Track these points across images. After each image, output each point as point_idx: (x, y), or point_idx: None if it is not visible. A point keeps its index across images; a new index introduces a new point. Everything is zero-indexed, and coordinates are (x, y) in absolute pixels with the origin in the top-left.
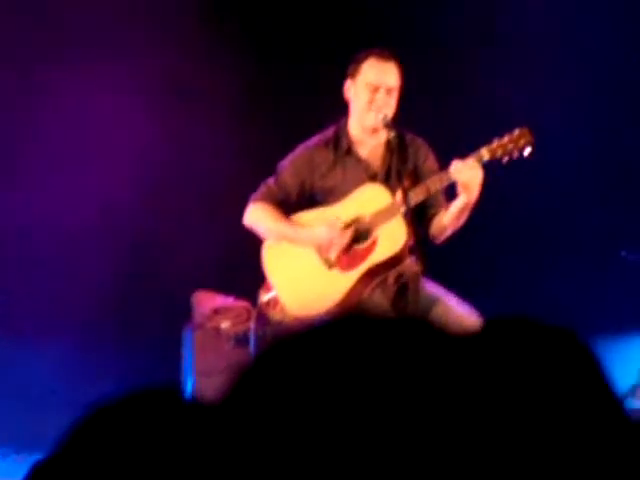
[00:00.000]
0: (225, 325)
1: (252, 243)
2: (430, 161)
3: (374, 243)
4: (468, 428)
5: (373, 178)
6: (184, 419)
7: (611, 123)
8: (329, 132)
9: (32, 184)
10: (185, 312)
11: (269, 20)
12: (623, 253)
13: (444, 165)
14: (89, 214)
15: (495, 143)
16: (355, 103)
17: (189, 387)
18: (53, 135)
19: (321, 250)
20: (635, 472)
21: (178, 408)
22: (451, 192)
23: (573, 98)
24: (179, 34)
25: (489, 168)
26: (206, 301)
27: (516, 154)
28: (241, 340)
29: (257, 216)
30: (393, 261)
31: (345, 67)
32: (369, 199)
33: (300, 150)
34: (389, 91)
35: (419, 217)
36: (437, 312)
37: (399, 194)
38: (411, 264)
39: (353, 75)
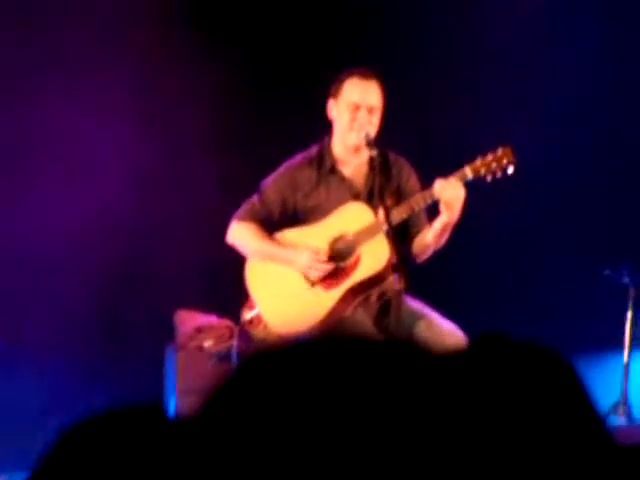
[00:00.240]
0: (208, 344)
1: (234, 260)
2: (413, 180)
3: (357, 261)
4: (452, 448)
5: (356, 197)
6: (167, 436)
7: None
8: (313, 151)
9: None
10: (168, 330)
11: (254, 37)
12: (606, 272)
13: (426, 184)
14: (70, 236)
15: (478, 162)
16: (338, 122)
17: (172, 406)
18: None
19: (304, 269)
20: None
21: (161, 426)
22: (433, 211)
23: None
24: (164, 46)
25: (470, 189)
26: (188, 320)
27: (499, 173)
28: (224, 358)
29: (241, 235)
30: (376, 279)
31: (328, 86)
32: (352, 217)
33: (283, 169)
34: (371, 110)
35: (401, 236)
36: (420, 329)
37: (382, 212)
38: (394, 282)
39: (335, 94)
